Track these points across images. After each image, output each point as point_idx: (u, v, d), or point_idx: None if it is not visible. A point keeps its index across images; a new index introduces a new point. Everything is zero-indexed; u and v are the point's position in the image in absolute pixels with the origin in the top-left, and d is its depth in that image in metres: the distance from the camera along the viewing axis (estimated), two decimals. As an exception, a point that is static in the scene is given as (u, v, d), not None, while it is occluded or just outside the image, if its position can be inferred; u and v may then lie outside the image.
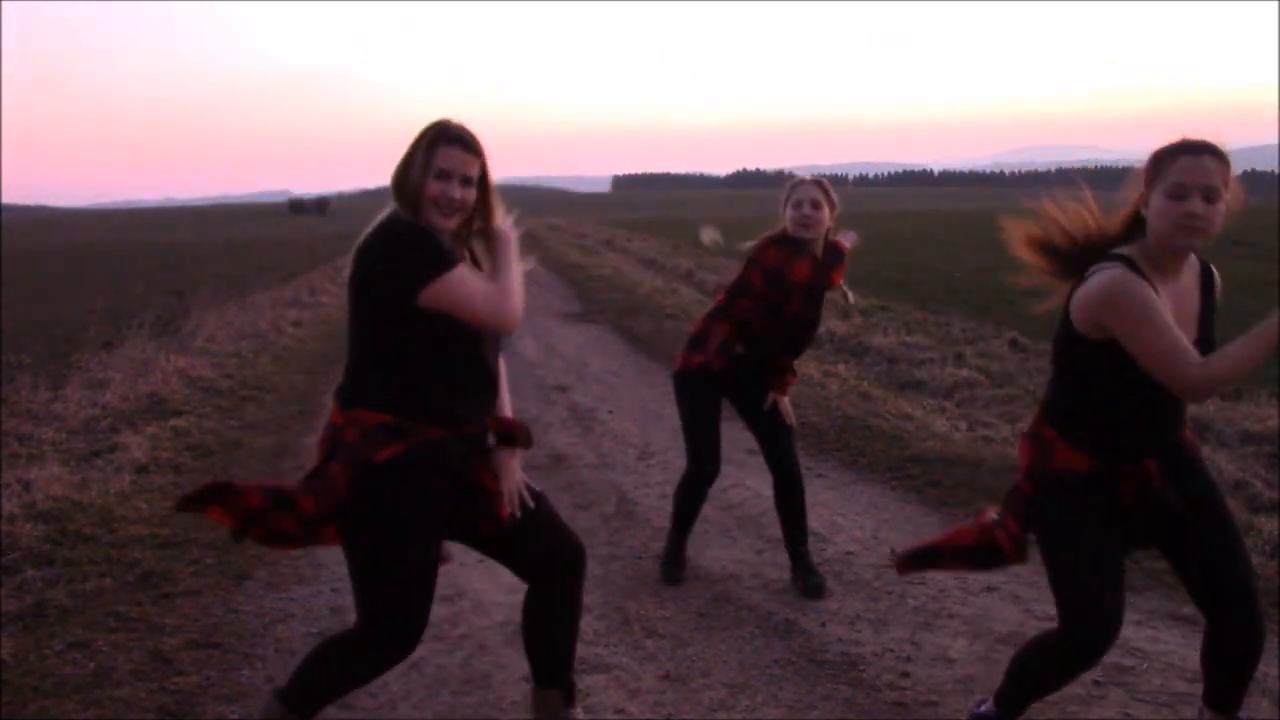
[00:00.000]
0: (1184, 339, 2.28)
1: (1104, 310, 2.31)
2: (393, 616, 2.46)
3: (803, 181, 3.84)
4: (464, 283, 2.38)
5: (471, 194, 2.44)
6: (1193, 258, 2.43)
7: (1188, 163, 2.28)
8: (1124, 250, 2.38)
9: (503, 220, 2.56)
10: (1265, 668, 3.19)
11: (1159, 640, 3.44)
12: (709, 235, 4.50)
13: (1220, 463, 5.17)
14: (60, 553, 4.32)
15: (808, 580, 3.94)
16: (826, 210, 3.81)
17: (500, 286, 2.45)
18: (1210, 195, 2.26)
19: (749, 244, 3.92)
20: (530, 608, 2.72)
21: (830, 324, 10.84)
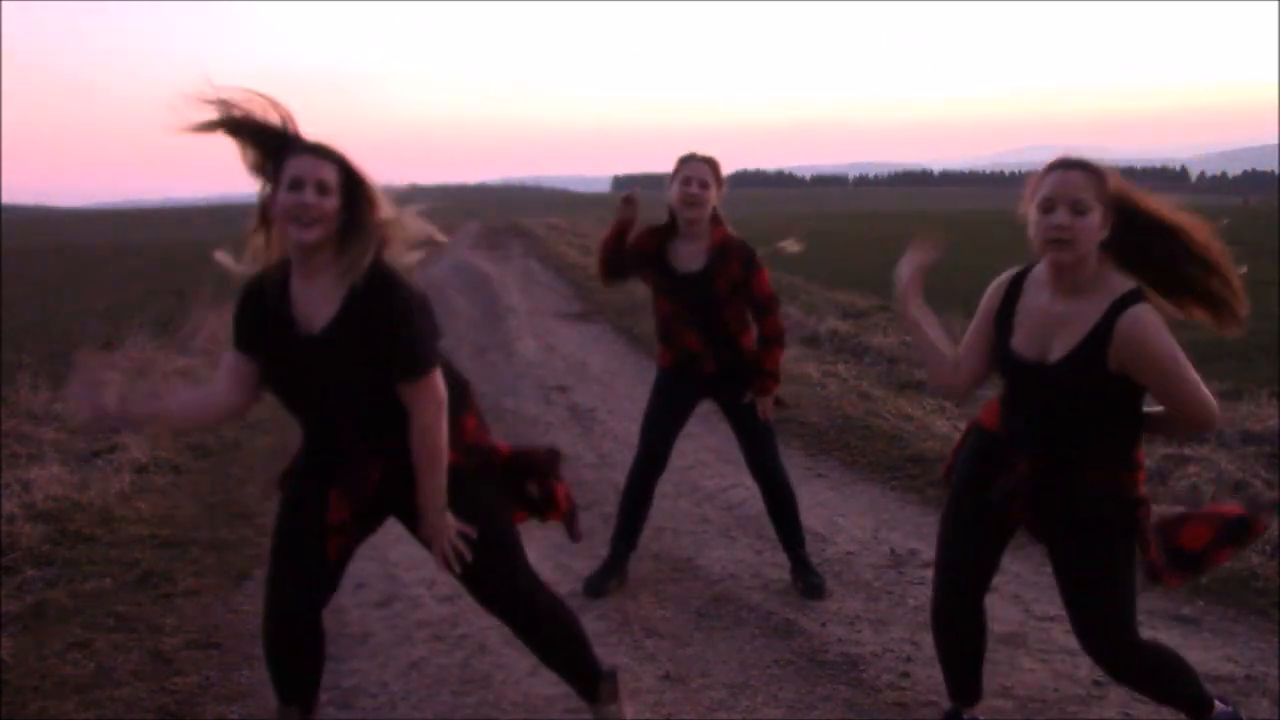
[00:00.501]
0: (967, 336, 2.57)
1: None
2: (268, 586, 2.56)
3: (693, 158, 3.79)
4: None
5: (331, 202, 2.30)
6: (1116, 288, 2.34)
7: (1056, 177, 2.34)
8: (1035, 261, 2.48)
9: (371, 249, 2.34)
10: (1265, 668, 3.20)
11: (1159, 640, 3.44)
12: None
13: (1220, 463, 5.17)
14: (60, 553, 4.32)
15: (807, 580, 3.93)
16: (714, 190, 3.77)
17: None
18: (1078, 207, 2.30)
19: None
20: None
21: (830, 324, 10.83)
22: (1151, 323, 2.30)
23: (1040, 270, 2.46)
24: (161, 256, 30.08)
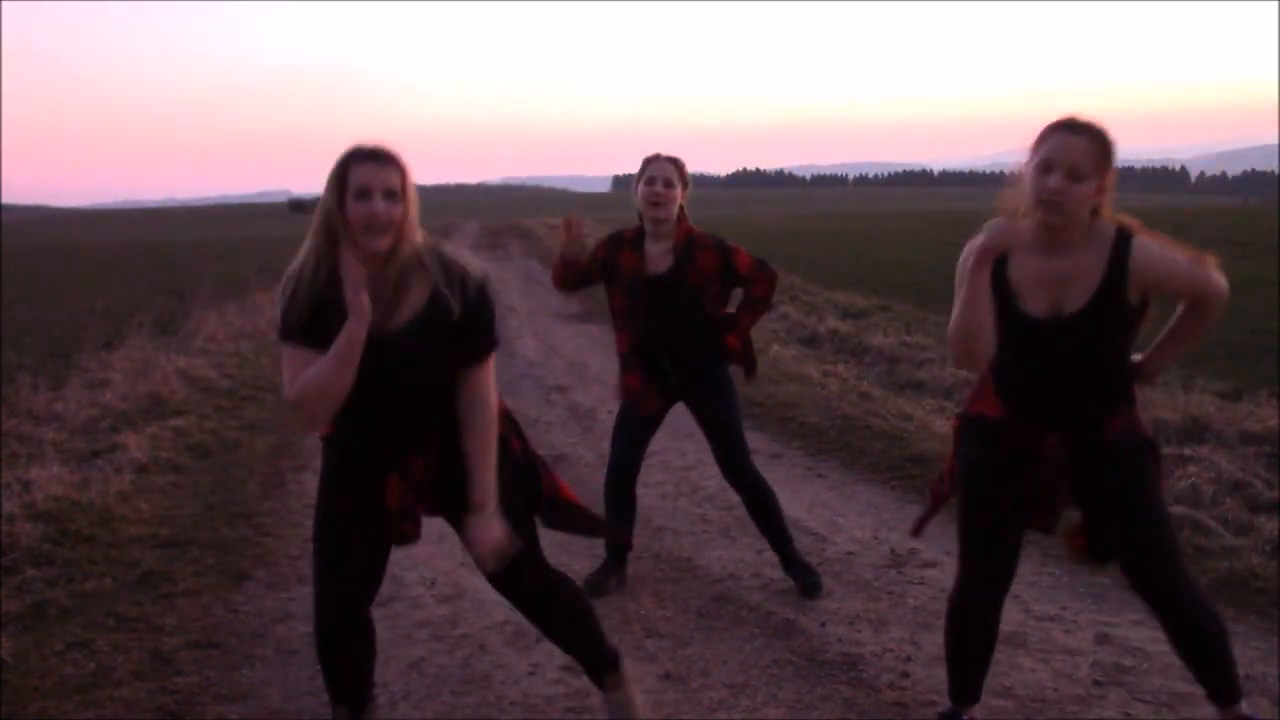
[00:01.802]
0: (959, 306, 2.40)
1: None
2: (315, 574, 2.55)
3: (657, 158, 3.77)
4: (285, 363, 2.37)
5: (398, 209, 2.32)
6: (1108, 232, 2.41)
7: (1059, 140, 2.35)
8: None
9: (415, 243, 2.36)
10: (1265, 668, 3.20)
11: (1159, 640, 3.43)
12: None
13: (1220, 463, 5.17)
14: (60, 553, 4.32)
15: (805, 580, 3.90)
16: (679, 189, 3.75)
17: (303, 380, 2.31)
18: (1075, 173, 2.32)
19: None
20: None
21: (830, 324, 10.83)
22: (1154, 245, 2.42)
23: (1021, 233, 2.41)
24: (161, 256, 30.09)
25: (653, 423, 4.00)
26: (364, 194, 2.29)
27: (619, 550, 4.04)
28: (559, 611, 2.72)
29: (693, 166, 3.90)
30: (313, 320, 2.33)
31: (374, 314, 2.30)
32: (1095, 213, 2.42)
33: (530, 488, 2.64)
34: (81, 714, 3.03)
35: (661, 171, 3.73)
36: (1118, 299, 2.40)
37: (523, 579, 2.64)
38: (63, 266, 26.81)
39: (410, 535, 2.59)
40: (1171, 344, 2.59)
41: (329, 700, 2.69)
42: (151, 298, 14.74)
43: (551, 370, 8.97)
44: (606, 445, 6.31)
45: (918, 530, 2.96)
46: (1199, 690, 2.99)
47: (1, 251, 31.10)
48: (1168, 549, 2.50)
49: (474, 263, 2.46)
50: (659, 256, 3.78)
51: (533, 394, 7.90)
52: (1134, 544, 2.50)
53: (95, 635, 3.55)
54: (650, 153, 3.82)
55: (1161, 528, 2.50)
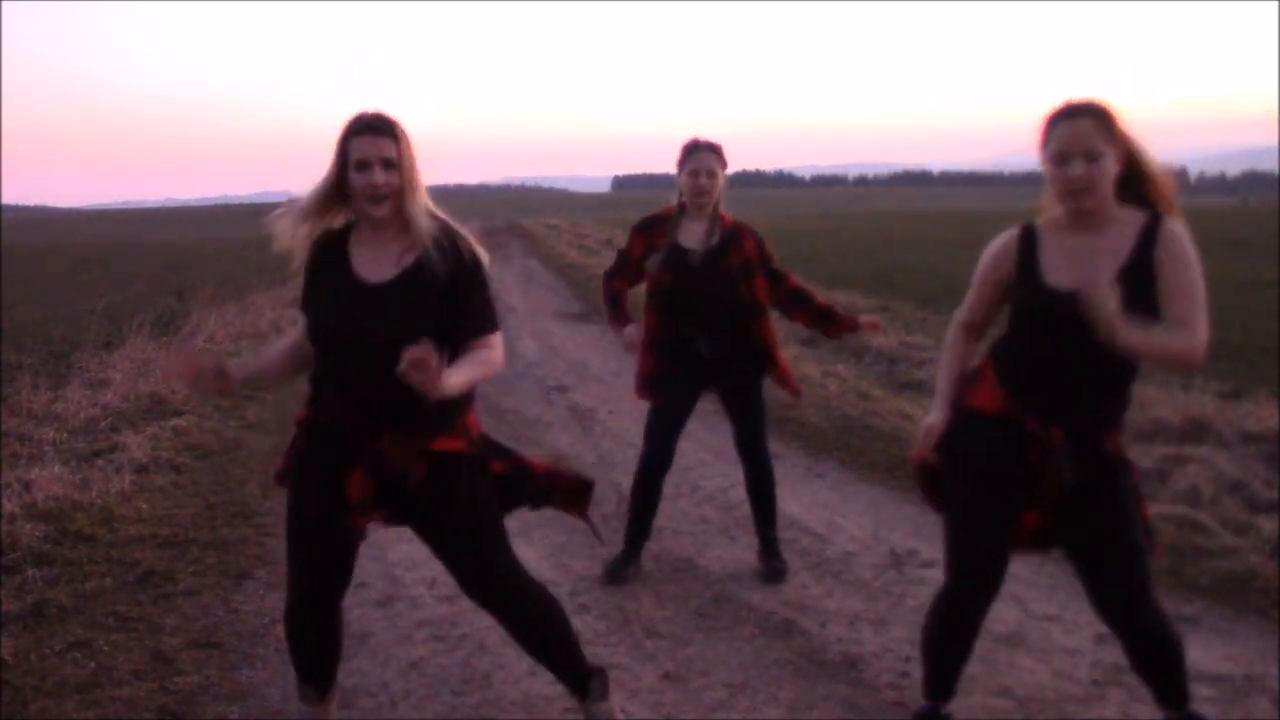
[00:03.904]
0: (974, 301, 2.62)
1: None
2: (288, 561, 2.63)
3: (697, 147, 3.94)
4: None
5: (396, 178, 2.44)
6: (1134, 214, 2.40)
7: (1064, 129, 2.36)
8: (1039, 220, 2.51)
9: (426, 215, 2.48)
10: (1265, 668, 3.20)
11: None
12: None
13: (1220, 463, 5.17)
14: (60, 553, 4.32)
15: (770, 565, 4.06)
16: (720, 178, 3.96)
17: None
18: (1091, 155, 2.33)
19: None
20: None
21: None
22: (1185, 235, 2.38)
23: (1053, 219, 2.46)
24: (161, 256, 30.11)
25: (684, 417, 4.11)
26: (363, 165, 2.43)
27: (636, 542, 4.16)
28: (533, 619, 2.70)
29: (692, 167, 3.93)
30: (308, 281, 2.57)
31: (367, 269, 2.49)
32: (1145, 188, 2.41)
33: (516, 495, 2.70)
34: (81, 714, 3.03)
35: (705, 164, 3.92)
36: (1146, 277, 2.34)
37: (496, 582, 2.63)
38: (63, 266, 26.83)
39: (357, 532, 2.55)
40: (1149, 340, 2.33)
41: (297, 680, 2.75)
42: (151, 298, 14.74)
43: (551, 370, 8.97)
44: (607, 445, 6.36)
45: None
46: (1196, 692, 3.00)
47: (2, 251, 31.12)
48: (1143, 582, 2.48)
49: (476, 246, 2.54)
50: (697, 233, 3.95)
51: (533, 394, 7.90)
52: (1113, 577, 2.49)
53: (95, 635, 3.56)
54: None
55: (1141, 561, 2.47)
